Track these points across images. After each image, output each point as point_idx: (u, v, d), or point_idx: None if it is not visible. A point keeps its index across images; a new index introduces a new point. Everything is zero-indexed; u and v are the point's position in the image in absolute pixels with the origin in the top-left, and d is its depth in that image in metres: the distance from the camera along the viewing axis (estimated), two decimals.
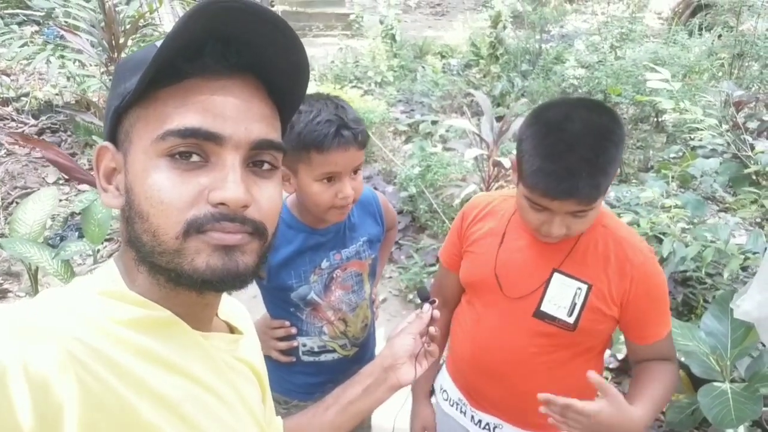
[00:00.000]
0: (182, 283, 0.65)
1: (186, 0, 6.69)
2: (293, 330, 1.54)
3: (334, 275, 1.52)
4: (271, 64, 0.67)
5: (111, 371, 0.57)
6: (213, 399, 0.69)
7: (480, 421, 1.46)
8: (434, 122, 5.21)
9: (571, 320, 1.29)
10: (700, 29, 7.21)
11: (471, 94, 5.93)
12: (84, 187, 4.81)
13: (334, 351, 1.59)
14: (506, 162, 3.40)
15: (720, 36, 6.39)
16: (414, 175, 4.09)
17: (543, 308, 1.31)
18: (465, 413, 1.49)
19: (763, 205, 2.65)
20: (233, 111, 0.65)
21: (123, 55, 4.46)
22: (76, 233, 4.08)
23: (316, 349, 1.58)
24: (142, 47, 5.35)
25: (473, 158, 3.74)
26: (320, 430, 1.00)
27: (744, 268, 2.76)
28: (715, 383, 2.22)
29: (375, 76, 6.78)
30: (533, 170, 1.16)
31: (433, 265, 3.94)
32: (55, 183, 4.95)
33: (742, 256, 2.46)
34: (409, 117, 5.86)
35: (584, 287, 1.29)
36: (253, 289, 1.75)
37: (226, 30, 0.63)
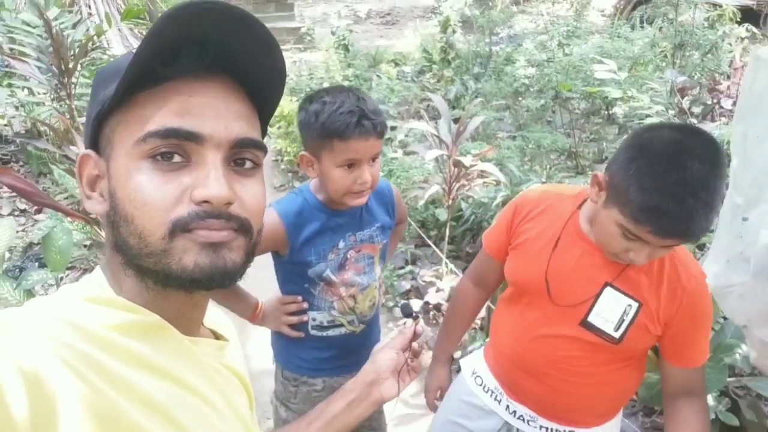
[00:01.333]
0: (171, 284, 0.65)
1: (137, 22, 6.60)
2: (305, 305, 1.64)
3: (349, 255, 1.62)
4: (248, 65, 0.68)
5: (101, 376, 0.57)
6: (203, 404, 0.70)
7: (515, 412, 1.48)
8: (393, 128, 5.26)
9: (617, 335, 1.30)
10: (642, 22, 7.47)
11: (427, 99, 6.02)
12: (41, 217, 4.71)
13: (342, 326, 1.68)
14: (466, 161, 3.46)
15: (661, 28, 6.65)
16: None
17: (590, 319, 1.32)
18: (500, 402, 1.51)
19: None
20: (212, 111, 0.66)
21: (73, 79, 4.39)
22: (36, 263, 3.98)
23: (325, 324, 1.67)
24: (92, 71, 5.29)
25: (434, 160, 3.80)
26: None
27: (700, 247, 2.86)
28: None
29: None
30: (647, 206, 1.10)
31: (402, 267, 3.97)
32: (9, 215, 4.82)
33: None
34: None
35: (635, 305, 1.29)
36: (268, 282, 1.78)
37: (201, 32, 0.64)
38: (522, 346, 1.42)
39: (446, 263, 3.75)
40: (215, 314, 0.91)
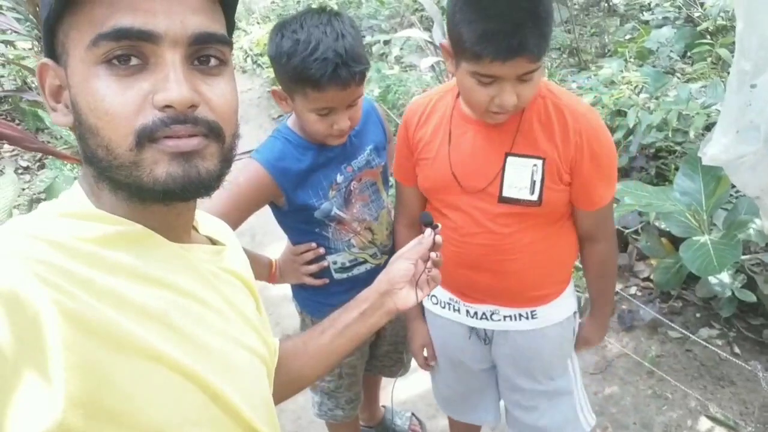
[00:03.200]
0: (145, 197, 0.63)
1: None
2: (321, 250, 1.55)
3: (351, 187, 1.52)
4: None
5: (85, 289, 0.55)
6: (200, 306, 0.68)
7: (476, 313, 1.49)
8: (386, 42, 5.10)
9: (534, 197, 1.31)
10: None
11: (420, 9, 5.79)
12: (43, 172, 4.70)
13: (365, 262, 1.60)
14: None
15: None
16: (375, 98, 4.03)
17: (505, 194, 1.32)
18: (459, 310, 1.52)
19: (719, 57, 2.65)
20: (165, 5, 0.61)
21: None
22: None
23: (347, 264, 1.59)
24: None
25: (430, 69, 3.69)
26: (316, 353, 0.99)
27: (708, 127, 2.79)
28: (695, 238, 2.29)
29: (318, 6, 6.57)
30: (477, 36, 1.12)
31: None
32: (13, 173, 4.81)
33: (705, 113, 2.49)
34: None
35: (539, 163, 1.29)
36: (283, 289, 1.74)
37: None
38: (457, 246, 1.41)
39: None
40: (211, 221, 0.89)
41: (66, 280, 0.54)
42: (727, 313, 2.50)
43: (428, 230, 1.07)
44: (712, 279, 2.39)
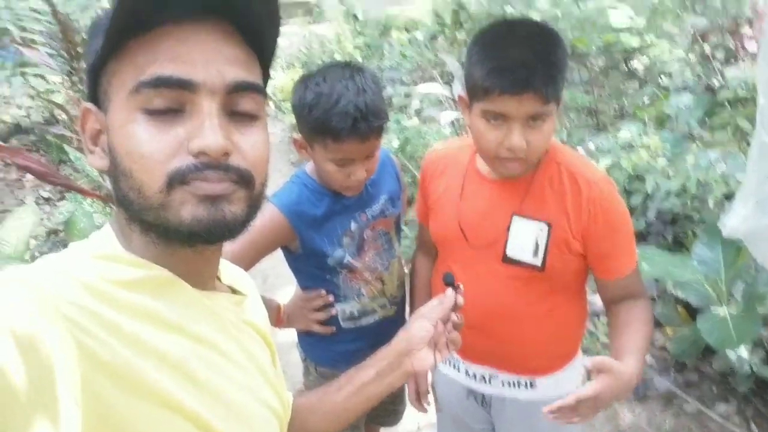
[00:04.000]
0: (171, 237, 0.64)
1: None
2: (330, 298, 1.54)
3: (365, 236, 1.52)
4: (242, 6, 0.65)
5: (109, 332, 0.56)
6: (219, 357, 0.68)
7: (475, 374, 1.47)
8: (407, 95, 5.18)
9: (537, 261, 1.29)
10: None
11: (441, 64, 5.91)
12: (63, 203, 4.75)
13: (374, 312, 1.59)
14: None
15: None
16: (393, 149, 4.07)
17: (509, 253, 1.31)
18: (458, 368, 1.50)
19: (738, 127, 2.66)
20: (204, 56, 0.63)
21: (83, 63, 4.38)
22: (61, 249, 4.02)
23: (356, 314, 1.57)
24: None
25: (450, 124, 3.73)
26: (331, 411, 0.97)
27: (728, 197, 2.77)
28: (713, 309, 2.24)
29: (342, 58, 6.73)
30: (486, 71, 1.15)
31: None
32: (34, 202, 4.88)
33: (725, 182, 2.48)
34: None
35: (545, 227, 1.28)
36: (291, 336, 1.74)
37: None
38: (465, 303, 1.39)
39: None
40: (233, 270, 0.89)
41: (92, 322, 0.55)
42: (744, 389, 2.42)
43: (449, 290, 1.04)
44: (729, 353, 2.33)
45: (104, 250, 0.66)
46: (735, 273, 2.31)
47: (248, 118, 0.67)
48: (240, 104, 0.66)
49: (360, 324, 1.58)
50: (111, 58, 0.64)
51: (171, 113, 0.62)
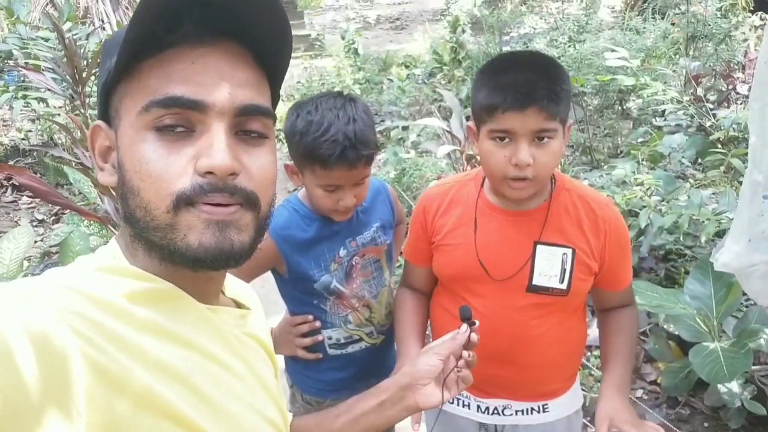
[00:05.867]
0: (176, 261, 0.64)
1: None
2: (317, 324, 1.54)
3: (354, 262, 1.52)
4: (254, 28, 0.66)
5: (113, 344, 0.56)
6: (223, 371, 0.68)
7: (487, 408, 1.45)
8: (405, 128, 5.25)
9: (564, 286, 1.32)
10: (654, 14, 7.40)
11: (438, 99, 6.01)
12: (59, 226, 4.75)
13: (360, 340, 1.58)
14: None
15: (673, 23, 6.58)
16: (390, 180, 4.11)
17: (535, 282, 1.32)
18: (469, 405, 1.47)
19: (731, 166, 2.71)
20: (215, 78, 0.64)
21: (87, 89, 4.44)
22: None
23: (342, 341, 1.57)
24: None
25: (446, 156, 3.79)
26: None
27: (719, 234, 2.81)
28: (705, 343, 2.26)
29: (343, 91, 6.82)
30: (490, 90, 1.20)
31: None
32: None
33: (717, 220, 2.52)
34: (379, 126, 5.91)
35: (569, 251, 1.32)
36: (279, 363, 1.71)
37: None
38: (480, 334, 1.39)
39: None
40: (237, 284, 0.89)
41: (96, 333, 0.55)
42: (736, 425, 2.42)
43: (464, 326, 0.98)
44: (721, 388, 2.33)
45: (109, 263, 0.67)
46: (726, 308, 2.33)
47: (256, 140, 0.68)
48: (248, 126, 0.67)
49: (347, 351, 1.58)
50: (123, 78, 0.65)
51: (181, 134, 0.63)
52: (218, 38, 0.66)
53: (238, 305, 0.83)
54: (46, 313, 0.53)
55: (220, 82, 0.64)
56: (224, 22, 0.65)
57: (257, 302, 0.91)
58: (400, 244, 1.84)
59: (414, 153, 5.04)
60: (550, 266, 1.32)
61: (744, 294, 2.21)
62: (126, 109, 0.65)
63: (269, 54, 0.70)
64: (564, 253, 1.32)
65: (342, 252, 1.50)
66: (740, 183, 1.81)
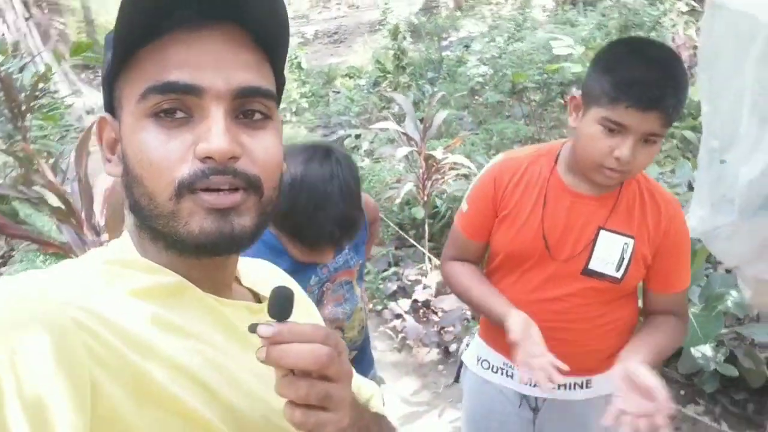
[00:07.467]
0: (180, 249, 0.63)
1: (79, 65, 6.50)
2: None
3: (324, 289, 1.50)
4: (252, 9, 0.65)
5: (119, 338, 0.55)
6: (232, 365, 0.67)
7: (530, 379, 1.42)
8: (357, 136, 5.28)
9: (619, 275, 1.33)
10: (585, 6, 7.68)
11: (387, 107, 6.06)
12: (15, 267, 4.54)
13: None
14: (437, 154, 3.49)
15: (603, 14, 6.85)
16: None
17: (591, 266, 1.34)
18: (513, 376, 1.49)
19: (684, 138, 2.83)
20: (212, 61, 0.63)
21: (26, 122, 4.29)
22: None
23: None
24: (45, 113, 5.17)
25: (404, 158, 3.82)
26: None
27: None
28: None
29: (289, 105, 6.81)
30: (618, 81, 1.16)
31: (386, 270, 3.96)
32: None
33: (674, 192, 2.62)
34: (331, 137, 5.92)
35: (630, 242, 1.33)
36: None
37: None
38: (529, 310, 1.38)
39: (429, 259, 3.75)
40: (256, 269, 0.87)
41: (103, 327, 0.54)
42: (710, 389, 2.51)
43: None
44: (695, 353, 2.42)
45: (119, 255, 0.66)
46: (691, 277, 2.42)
47: (259, 122, 0.67)
48: (249, 108, 0.66)
49: None
50: (123, 68, 0.64)
51: (180, 120, 0.62)
52: (216, 22, 0.65)
53: (255, 294, 0.82)
54: (50, 307, 0.53)
55: (217, 65, 0.63)
56: (220, 7, 0.64)
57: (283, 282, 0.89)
58: (373, 241, 1.83)
59: (369, 160, 5.07)
60: (609, 253, 1.33)
61: (707, 261, 2.31)
62: (127, 98, 0.64)
63: (268, 35, 0.69)
64: (625, 243, 1.33)
65: (313, 280, 1.46)
66: (692, 154, 1.90)
